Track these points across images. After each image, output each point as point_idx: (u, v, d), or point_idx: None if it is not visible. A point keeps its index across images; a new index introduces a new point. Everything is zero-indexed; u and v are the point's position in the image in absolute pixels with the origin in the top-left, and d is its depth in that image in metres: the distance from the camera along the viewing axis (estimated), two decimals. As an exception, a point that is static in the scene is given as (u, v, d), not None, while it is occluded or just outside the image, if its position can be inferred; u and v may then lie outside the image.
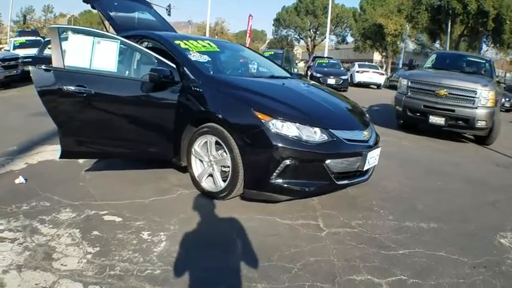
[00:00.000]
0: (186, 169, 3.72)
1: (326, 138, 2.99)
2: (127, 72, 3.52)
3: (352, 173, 3.23)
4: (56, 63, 3.21)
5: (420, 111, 6.92)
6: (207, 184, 3.39)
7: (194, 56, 3.67)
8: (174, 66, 3.44)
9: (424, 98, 6.90)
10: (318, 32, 47.29)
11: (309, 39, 48.52)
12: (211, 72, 3.67)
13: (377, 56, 40.43)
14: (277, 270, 2.35)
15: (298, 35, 49.74)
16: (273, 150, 2.90)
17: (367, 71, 20.91)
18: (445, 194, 3.99)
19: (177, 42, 3.81)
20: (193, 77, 3.43)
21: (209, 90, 3.31)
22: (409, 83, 7.17)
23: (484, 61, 8.46)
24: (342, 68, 19.25)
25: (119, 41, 3.31)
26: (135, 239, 2.59)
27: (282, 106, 3.13)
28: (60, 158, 3.37)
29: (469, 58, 8.92)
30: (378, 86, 20.79)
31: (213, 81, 3.46)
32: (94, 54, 3.22)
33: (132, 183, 3.55)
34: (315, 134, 2.97)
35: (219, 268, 2.34)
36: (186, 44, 3.82)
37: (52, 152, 4.30)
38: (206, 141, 3.32)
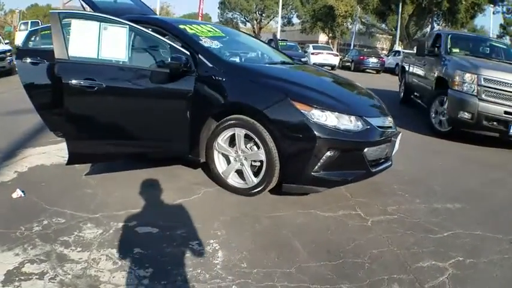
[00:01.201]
0: (199, 165, 3.39)
1: (361, 126, 2.85)
2: (138, 61, 3.01)
3: (381, 159, 3.14)
4: (59, 54, 2.63)
5: (500, 120, 5.02)
6: (234, 180, 3.09)
7: (206, 42, 3.26)
8: (188, 53, 3.02)
9: (504, 102, 5.01)
10: (263, 15, 46.84)
11: (255, 21, 47.96)
12: (230, 60, 3.30)
13: (323, 37, 41.17)
14: (351, 268, 2.22)
15: (244, 18, 48.95)
16: (316, 142, 2.70)
17: (322, 53, 20.84)
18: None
19: (182, 27, 3.36)
20: (211, 65, 3.05)
21: (234, 79, 2.97)
22: (482, 81, 5.09)
23: (506, 46, 7.24)
24: (300, 51, 19.19)
25: (128, 26, 2.79)
26: (187, 251, 2.24)
27: (317, 95, 2.92)
28: (67, 163, 2.81)
29: (492, 43, 7.34)
30: (333, 67, 20.97)
31: (238, 69, 3.13)
32: (101, 42, 2.68)
33: (145, 185, 3.11)
34: (351, 123, 2.82)
35: (296, 273, 2.12)
36: (192, 29, 3.39)
37: (40, 155, 3.65)
38: (232, 135, 3.00)
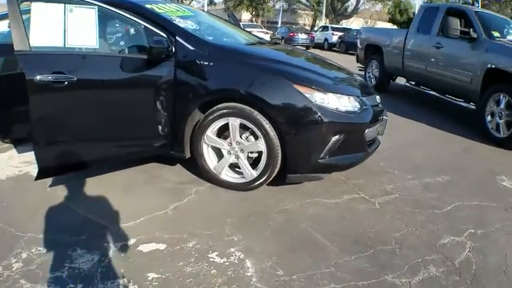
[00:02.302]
0: (176, 161, 3.03)
1: (359, 106, 2.72)
2: (110, 47, 2.48)
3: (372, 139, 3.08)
4: (18, 44, 2.02)
5: None
6: (228, 175, 2.79)
7: (180, 23, 2.83)
8: (165, 36, 2.58)
9: None
10: (183, -5, 44.76)
11: (176, 1, 45.59)
12: (214, 41, 2.91)
13: (246, 16, 40.60)
14: (385, 257, 2.14)
15: (162, -2, 46.18)
16: (322, 126, 2.52)
17: (252, 31, 20.66)
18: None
19: (149, 6, 2.87)
20: (192, 48, 2.66)
21: (223, 63, 2.62)
22: None
23: None
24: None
25: (96, 7, 2.25)
26: (211, 268, 1.94)
27: (316, 76, 2.72)
28: (38, 178, 2.24)
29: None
30: None
31: (225, 51, 2.77)
32: (68, 27, 2.12)
33: (125, 190, 2.66)
34: (350, 104, 2.67)
35: (336, 271, 1.96)
36: (160, 9, 2.91)
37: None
38: (222, 126, 2.68)
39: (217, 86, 2.63)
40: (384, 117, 3.09)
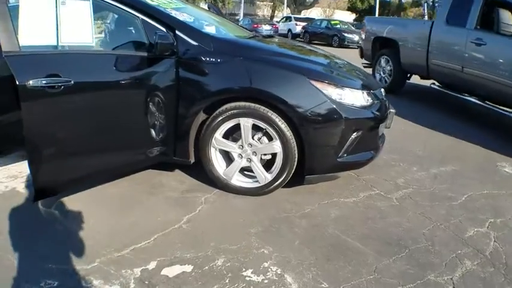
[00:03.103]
0: (175, 166, 2.82)
1: (371, 101, 2.62)
2: (107, 44, 2.18)
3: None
4: (6, 45, 1.69)
5: None
6: (240, 180, 2.61)
7: (177, 16, 2.57)
8: (164, 30, 2.33)
9: None
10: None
11: None
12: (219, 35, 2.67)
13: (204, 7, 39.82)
14: (421, 255, 2.08)
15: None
16: (342, 124, 2.39)
17: None
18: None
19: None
20: (195, 43, 2.42)
21: (232, 59, 2.40)
22: None
23: None
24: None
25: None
26: (249, 287, 1.75)
27: (329, 72, 2.59)
28: (36, 199, 1.93)
29: None
30: None
31: (233, 46, 2.56)
32: (60, 22, 1.81)
33: (130, 205, 2.39)
34: (364, 99, 2.56)
35: (381, 277, 1.86)
36: (153, 0, 2.62)
37: None
38: (234, 127, 2.48)
39: (226, 84, 2.41)
40: (391, 110, 3.02)
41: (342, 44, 17.58)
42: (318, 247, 2.09)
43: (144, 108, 2.34)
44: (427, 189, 2.87)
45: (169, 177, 2.80)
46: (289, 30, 21.16)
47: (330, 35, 18.41)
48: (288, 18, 22.51)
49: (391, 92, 5.83)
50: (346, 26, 19.58)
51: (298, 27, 20.60)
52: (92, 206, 2.35)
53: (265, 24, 20.87)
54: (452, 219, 2.47)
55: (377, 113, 2.60)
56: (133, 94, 2.27)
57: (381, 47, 6.49)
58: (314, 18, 21.22)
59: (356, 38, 17.09)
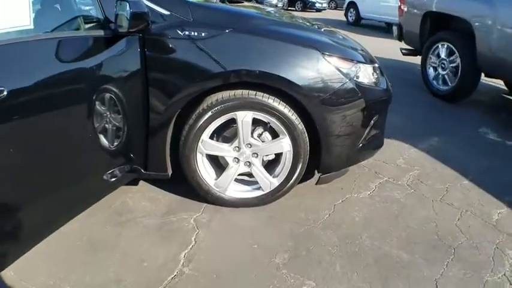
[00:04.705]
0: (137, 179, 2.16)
1: (381, 78, 2.21)
2: (48, 25, 1.36)
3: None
4: None
5: None
6: (237, 191, 2.06)
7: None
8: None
9: None
10: None
11: None
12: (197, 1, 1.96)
13: None
14: (467, 253, 1.86)
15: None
16: (364, 108, 1.99)
17: None
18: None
19: None
20: (167, 12, 1.74)
21: (221, 32, 1.76)
22: None
23: None
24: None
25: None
26: None
27: (340, 44, 2.09)
28: None
29: None
30: None
31: (222, 14, 1.89)
32: None
33: (101, 244, 1.71)
34: (375, 76, 2.14)
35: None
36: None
37: None
38: (226, 124, 1.91)
39: (215, 67, 1.77)
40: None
41: (305, 8, 16.68)
42: (364, 268, 1.70)
43: (101, 114, 1.61)
44: (431, 170, 2.64)
45: (136, 194, 2.12)
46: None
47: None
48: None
49: (453, 99, 4.08)
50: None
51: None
52: (50, 252, 1.60)
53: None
54: (473, 202, 2.29)
55: (389, 93, 2.23)
56: (85, 97, 1.51)
57: (437, 28, 4.38)
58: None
59: (323, 2, 16.33)
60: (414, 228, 2.02)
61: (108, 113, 1.64)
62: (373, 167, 2.61)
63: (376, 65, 2.16)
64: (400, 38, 4.98)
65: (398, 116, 3.37)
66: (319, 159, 2.01)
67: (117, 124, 1.72)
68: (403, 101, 3.81)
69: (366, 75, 2.03)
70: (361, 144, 2.08)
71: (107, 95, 1.62)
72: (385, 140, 2.38)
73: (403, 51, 4.86)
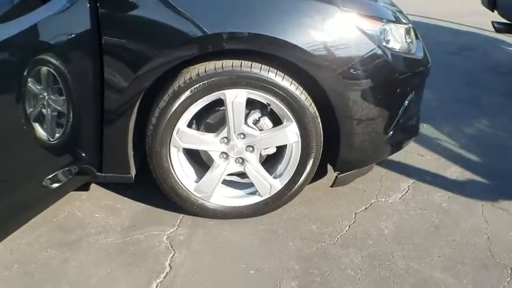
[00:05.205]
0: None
1: (416, 41, 2.11)
2: None
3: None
4: None
5: None
6: (225, 197, 1.96)
7: None
8: None
9: None
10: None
11: None
12: None
13: None
14: None
15: None
16: (396, 84, 1.90)
17: None
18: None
19: None
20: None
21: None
22: None
23: None
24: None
25: None
26: None
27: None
28: None
29: None
30: None
31: None
32: None
33: (34, 281, 1.58)
34: (407, 38, 2.03)
35: None
36: None
37: None
38: (211, 107, 1.82)
39: (194, 29, 1.64)
40: None
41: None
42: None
43: (36, 96, 1.50)
44: (478, 164, 2.59)
45: (87, 203, 2.01)
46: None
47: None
48: None
49: None
50: None
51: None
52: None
53: None
54: (500, 202, 2.23)
55: (428, 60, 2.13)
56: (12, 72, 1.41)
57: None
58: None
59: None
60: (460, 242, 1.92)
61: (45, 94, 1.52)
62: (404, 161, 2.55)
63: (411, 25, 2.07)
64: (493, 8, 4.12)
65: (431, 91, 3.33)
66: (336, 153, 1.91)
67: (58, 108, 1.59)
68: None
69: (398, 38, 1.91)
70: (391, 132, 1.99)
71: (44, 69, 1.48)
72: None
73: (496, 25, 4.06)
